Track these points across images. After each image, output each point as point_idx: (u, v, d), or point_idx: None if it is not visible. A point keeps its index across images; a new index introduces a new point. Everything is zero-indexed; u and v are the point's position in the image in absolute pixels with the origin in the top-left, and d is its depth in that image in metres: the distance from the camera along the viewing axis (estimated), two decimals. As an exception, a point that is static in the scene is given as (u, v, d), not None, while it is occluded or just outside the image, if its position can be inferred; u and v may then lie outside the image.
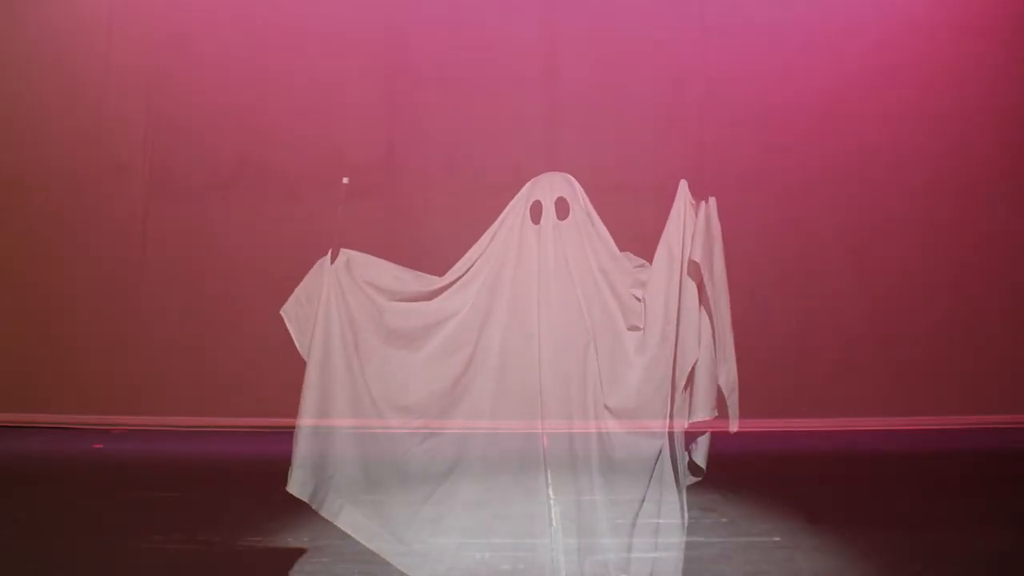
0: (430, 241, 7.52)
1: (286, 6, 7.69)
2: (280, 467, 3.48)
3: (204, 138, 7.58)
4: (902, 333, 7.45)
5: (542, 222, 2.97)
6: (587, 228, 2.99)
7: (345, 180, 3.39)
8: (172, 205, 7.61)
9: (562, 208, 2.99)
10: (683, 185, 2.95)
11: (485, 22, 7.65)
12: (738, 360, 7.79)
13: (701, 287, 2.87)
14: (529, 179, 8.09)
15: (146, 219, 7.61)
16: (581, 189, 3.09)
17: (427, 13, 7.67)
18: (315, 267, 3.22)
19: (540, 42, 7.65)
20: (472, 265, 3.03)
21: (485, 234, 3.09)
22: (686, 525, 2.93)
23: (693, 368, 2.86)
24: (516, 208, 3.05)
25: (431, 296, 3.04)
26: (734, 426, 2.91)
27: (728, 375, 2.89)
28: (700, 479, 3.13)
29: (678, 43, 7.62)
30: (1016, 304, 7.50)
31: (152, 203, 7.63)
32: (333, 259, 3.12)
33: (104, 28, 7.67)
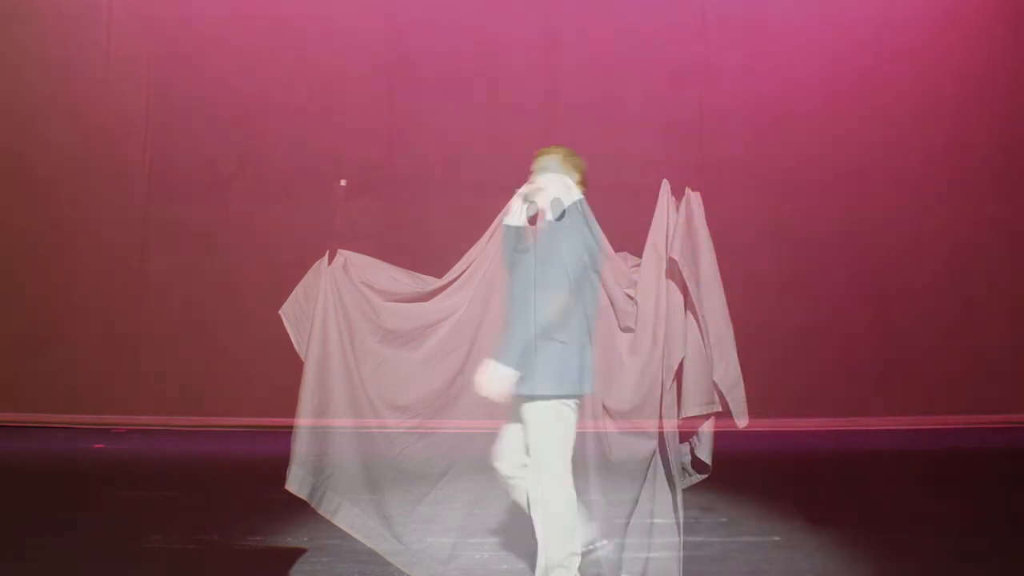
0: (430, 241, 7.52)
1: (286, 6, 7.69)
2: (280, 467, 3.48)
3: (204, 138, 7.58)
4: (902, 333, 7.45)
5: (538, 222, 2.97)
6: (582, 229, 2.98)
7: (343, 182, 3.39)
8: (172, 205, 7.61)
9: (557, 208, 2.98)
10: (664, 185, 2.94)
11: (485, 21, 7.65)
12: (739, 360, 7.76)
13: (684, 284, 2.86)
14: (528, 179, 8.10)
15: (146, 219, 7.61)
16: (578, 191, 3.08)
17: (427, 12, 7.67)
18: (313, 268, 3.23)
19: (540, 42, 7.65)
20: (469, 266, 3.03)
21: (483, 236, 3.10)
22: (682, 524, 2.92)
23: (681, 365, 2.85)
24: (513, 209, 3.06)
25: (428, 297, 3.05)
26: (742, 422, 2.89)
27: (727, 372, 2.87)
28: (706, 476, 3.12)
29: (678, 42, 7.62)
30: (1016, 304, 7.50)
31: (152, 203, 7.63)
32: (331, 260, 3.12)
33: (104, 27, 7.67)
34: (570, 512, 3.07)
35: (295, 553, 4.06)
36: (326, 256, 3.20)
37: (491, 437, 3.04)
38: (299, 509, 3.53)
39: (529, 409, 3.11)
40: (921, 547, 4.23)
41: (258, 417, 6.98)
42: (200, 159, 7.62)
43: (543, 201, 3.30)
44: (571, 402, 3.12)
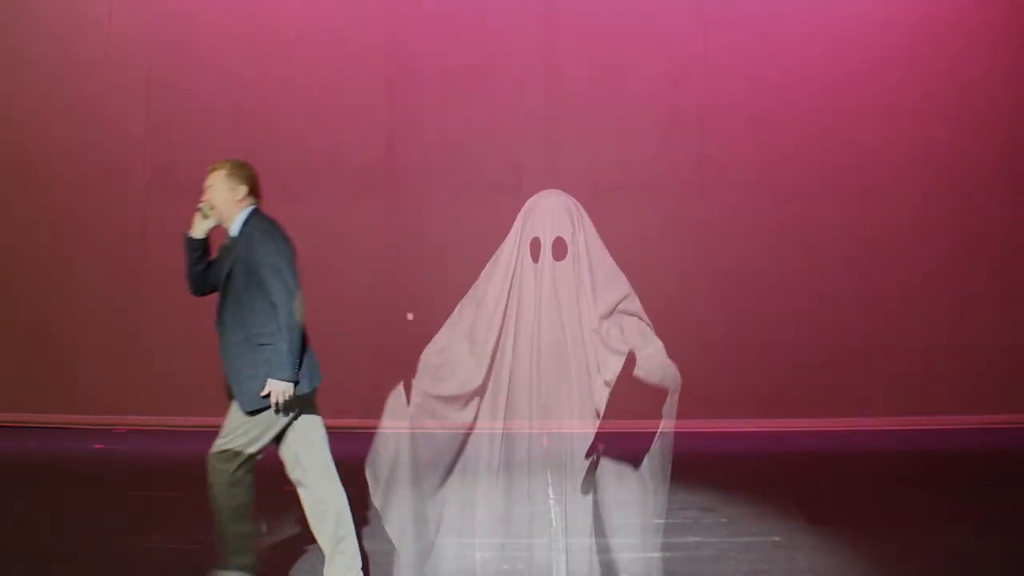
0: (430, 241, 7.52)
1: (287, 6, 7.69)
2: (279, 467, 3.48)
3: (204, 138, 7.58)
4: (902, 333, 7.45)
5: (540, 262, 2.95)
6: (581, 274, 2.94)
7: (409, 316, 3.36)
8: (172, 205, 7.59)
9: (559, 249, 2.96)
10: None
11: (485, 22, 7.65)
12: (738, 359, 7.78)
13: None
14: (529, 179, 8.09)
15: (146, 219, 7.61)
16: (580, 214, 3.00)
17: (427, 13, 7.67)
18: (389, 409, 3.08)
19: (540, 42, 7.65)
20: (500, 324, 2.96)
21: (496, 275, 3.01)
22: (662, 524, 2.93)
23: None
24: (519, 244, 2.98)
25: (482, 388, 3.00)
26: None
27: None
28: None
29: (678, 42, 7.62)
30: (1016, 304, 7.50)
31: (152, 203, 7.62)
32: (408, 397, 3.01)
33: (104, 28, 7.66)
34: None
35: (295, 553, 4.06)
36: (401, 389, 3.01)
37: (493, 438, 3.04)
38: (299, 509, 3.53)
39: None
40: (921, 547, 4.24)
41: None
42: (200, 159, 7.60)
43: (218, 216, 3.57)
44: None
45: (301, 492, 3.52)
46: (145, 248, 7.58)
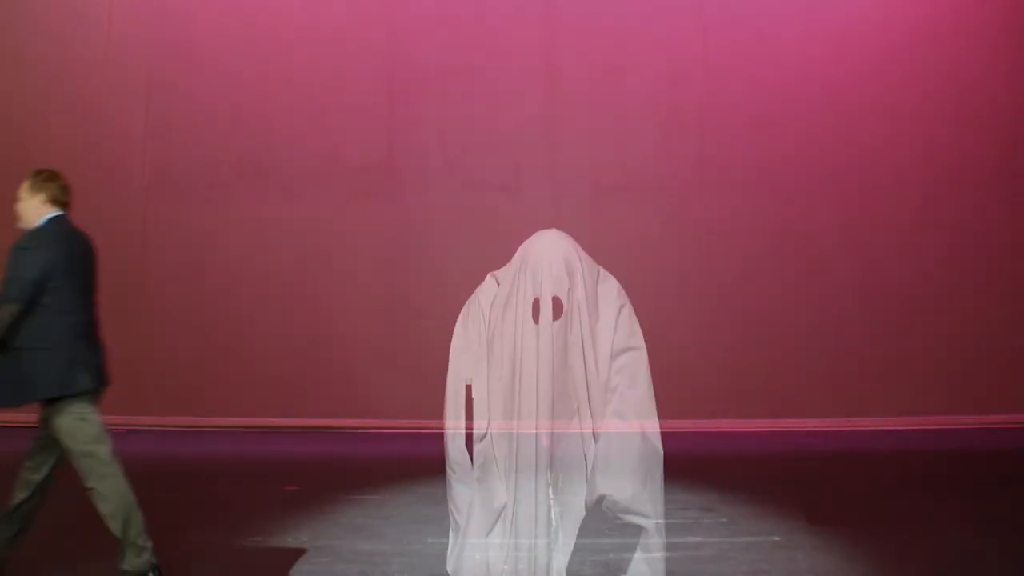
0: (430, 241, 7.52)
1: (287, 6, 7.69)
2: (279, 467, 3.49)
3: (204, 138, 7.58)
4: (902, 333, 7.45)
5: (540, 322, 2.96)
6: (578, 328, 2.95)
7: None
8: (172, 205, 7.61)
9: (557, 308, 2.97)
10: None
11: (485, 22, 7.65)
12: (738, 359, 7.78)
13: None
14: (529, 179, 8.07)
15: (146, 219, 7.60)
16: (578, 258, 3.00)
17: (427, 14, 7.67)
18: (454, 480, 3.10)
19: (540, 42, 7.65)
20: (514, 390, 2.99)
21: (505, 334, 3.01)
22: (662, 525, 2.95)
23: None
24: (521, 302, 2.99)
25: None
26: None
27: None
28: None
29: (678, 43, 7.62)
30: (1016, 304, 7.50)
31: (152, 203, 7.63)
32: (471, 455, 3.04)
33: (104, 28, 7.66)
34: None
35: (295, 553, 4.06)
36: (463, 447, 3.04)
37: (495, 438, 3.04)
38: (299, 509, 3.54)
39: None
40: (921, 547, 4.24)
41: (258, 417, 6.95)
42: (200, 159, 7.62)
43: (25, 225, 3.73)
44: (64, 402, 3.74)
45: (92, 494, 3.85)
46: (145, 248, 7.58)
